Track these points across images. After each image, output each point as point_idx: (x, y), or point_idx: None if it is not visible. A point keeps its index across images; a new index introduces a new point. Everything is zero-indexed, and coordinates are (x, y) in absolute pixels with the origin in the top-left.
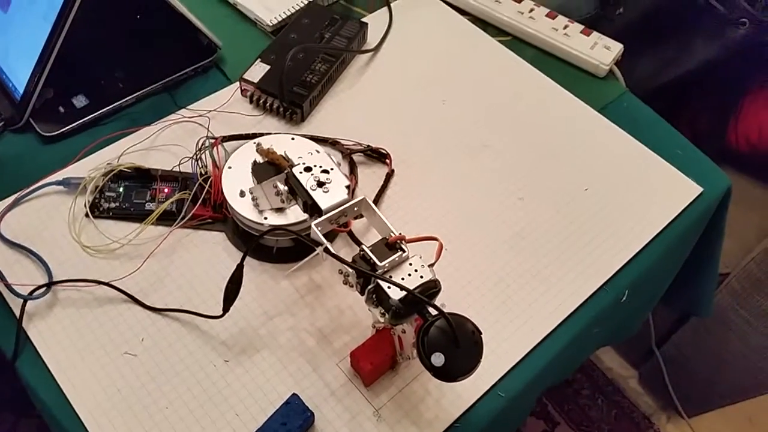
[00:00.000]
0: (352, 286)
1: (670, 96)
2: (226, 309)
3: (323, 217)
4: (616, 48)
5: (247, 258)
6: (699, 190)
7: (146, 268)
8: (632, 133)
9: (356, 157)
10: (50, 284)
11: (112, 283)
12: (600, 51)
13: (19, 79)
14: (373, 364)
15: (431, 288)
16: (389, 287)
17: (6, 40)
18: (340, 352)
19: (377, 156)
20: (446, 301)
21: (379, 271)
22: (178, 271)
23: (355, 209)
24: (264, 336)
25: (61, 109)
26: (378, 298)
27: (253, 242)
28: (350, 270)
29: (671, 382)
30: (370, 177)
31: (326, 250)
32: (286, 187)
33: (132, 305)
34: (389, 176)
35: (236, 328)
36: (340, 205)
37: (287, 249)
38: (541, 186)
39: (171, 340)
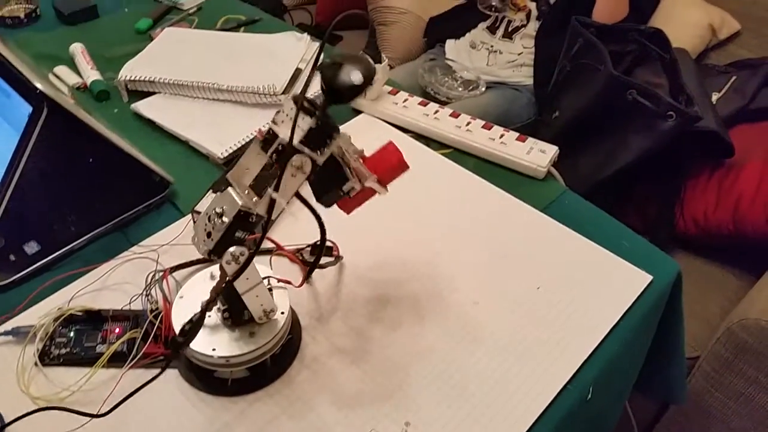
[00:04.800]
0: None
1: (615, 188)
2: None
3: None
4: (552, 150)
5: (200, 393)
6: (649, 278)
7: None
8: (576, 229)
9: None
10: None
11: None
12: (536, 155)
13: None
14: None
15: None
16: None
17: None
18: None
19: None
20: (407, 415)
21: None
22: (130, 415)
23: None
24: None
25: (12, 257)
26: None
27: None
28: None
29: None
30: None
31: None
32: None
33: None
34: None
35: None
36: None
37: (243, 380)
38: (495, 289)
39: None
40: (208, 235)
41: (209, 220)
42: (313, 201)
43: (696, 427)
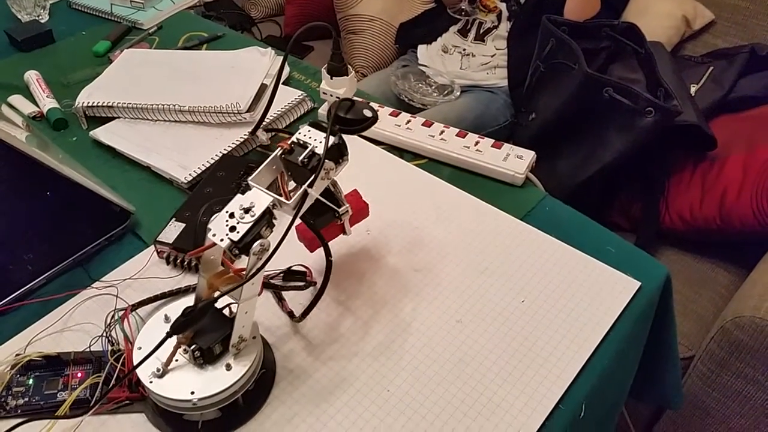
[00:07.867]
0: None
1: (597, 189)
2: None
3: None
4: (529, 156)
5: None
6: (637, 284)
7: None
8: (559, 236)
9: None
10: None
11: None
12: (513, 161)
13: None
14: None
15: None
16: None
17: None
18: None
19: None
20: None
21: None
22: None
23: None
24: None
25: None
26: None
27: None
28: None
29: None
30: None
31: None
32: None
33: None
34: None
35: None
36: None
37: (214, 421)
38: (477, 304)
39: None
40: (232, 229)
41: (231, 216)
42: None
43: (694, 429)
